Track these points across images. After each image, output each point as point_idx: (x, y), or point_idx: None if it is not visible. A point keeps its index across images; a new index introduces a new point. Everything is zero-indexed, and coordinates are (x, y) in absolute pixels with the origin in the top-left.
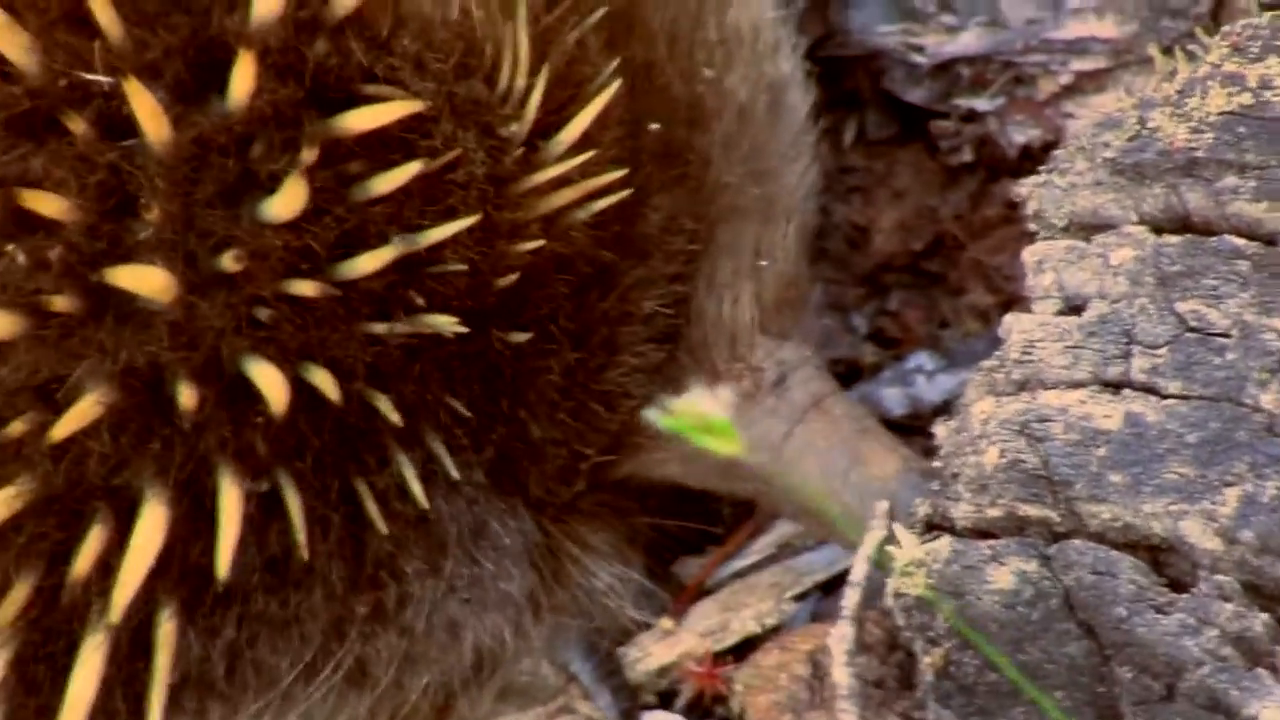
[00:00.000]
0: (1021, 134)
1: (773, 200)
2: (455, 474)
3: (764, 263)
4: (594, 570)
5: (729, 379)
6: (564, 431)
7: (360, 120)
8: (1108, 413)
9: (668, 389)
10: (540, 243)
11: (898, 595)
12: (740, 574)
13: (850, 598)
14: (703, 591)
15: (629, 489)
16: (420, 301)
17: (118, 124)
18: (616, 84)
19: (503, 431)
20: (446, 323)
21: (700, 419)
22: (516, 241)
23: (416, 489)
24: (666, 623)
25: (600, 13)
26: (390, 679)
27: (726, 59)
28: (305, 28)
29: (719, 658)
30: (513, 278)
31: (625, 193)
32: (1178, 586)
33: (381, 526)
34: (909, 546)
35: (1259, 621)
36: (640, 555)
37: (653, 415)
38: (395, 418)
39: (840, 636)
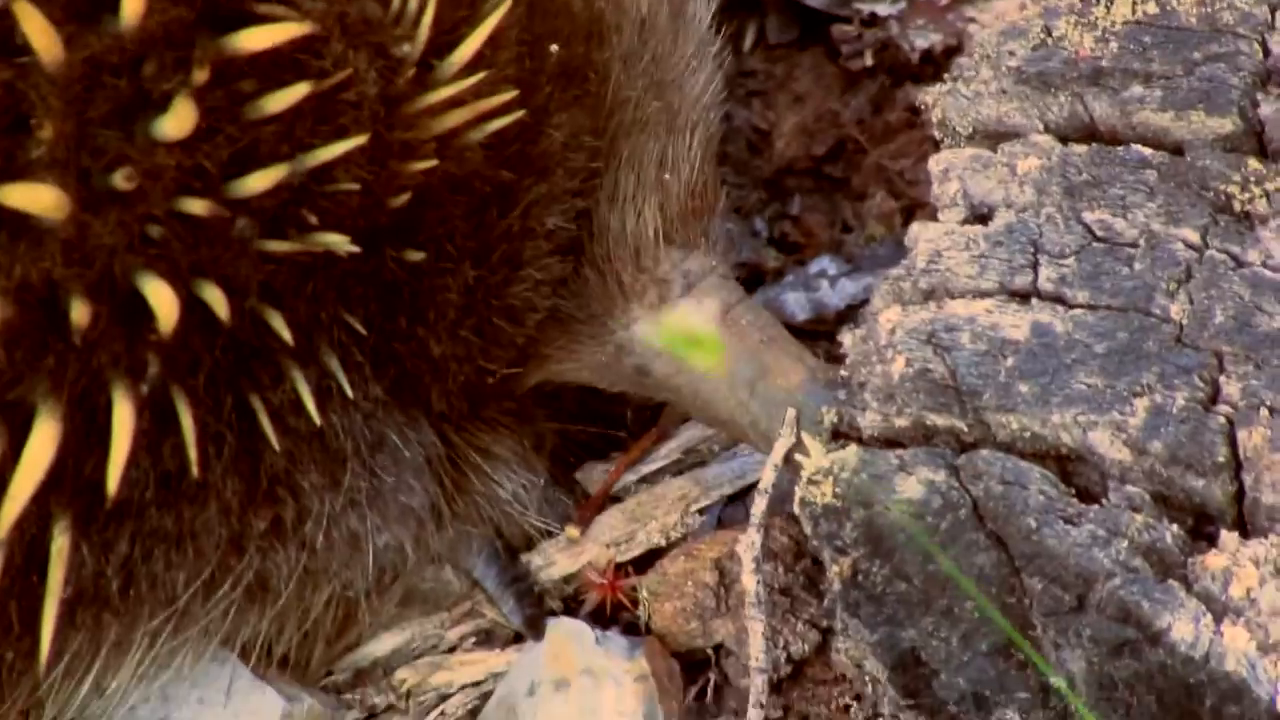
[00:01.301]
0: (923, 38)
1: (676, 111)
2: (349, 391)
3: (668, 175)
4: (498, 478)
5: (634, 291)
6: (467, 347)
7: (251, 40)
8: (1015, 322)
9: (575, 305)
10: (433, 163)
11: (804, 504)
12: (647, 480)
13: (758, 505)
14: (609, 498)
15: (533, 395)
16: (313, 220)
17: (12, 42)
18: (507, 4)
19: (402, 348)
20: (339, 241)
21: (687, 332)
22: (409, 161)
23: (310, 405)
24: (572, 531)
25: None
26: (291, 593)
27: None
28: None
29: (621, 568)
30: (405, 197)
31: (519, 114)
32: (1087, 497)
33: (275, 442)
34: (816, 455)
35: (1169, 533)
36: (545, 462)
37: (642, 329)
38: (287, 335)
39: (748, 544)
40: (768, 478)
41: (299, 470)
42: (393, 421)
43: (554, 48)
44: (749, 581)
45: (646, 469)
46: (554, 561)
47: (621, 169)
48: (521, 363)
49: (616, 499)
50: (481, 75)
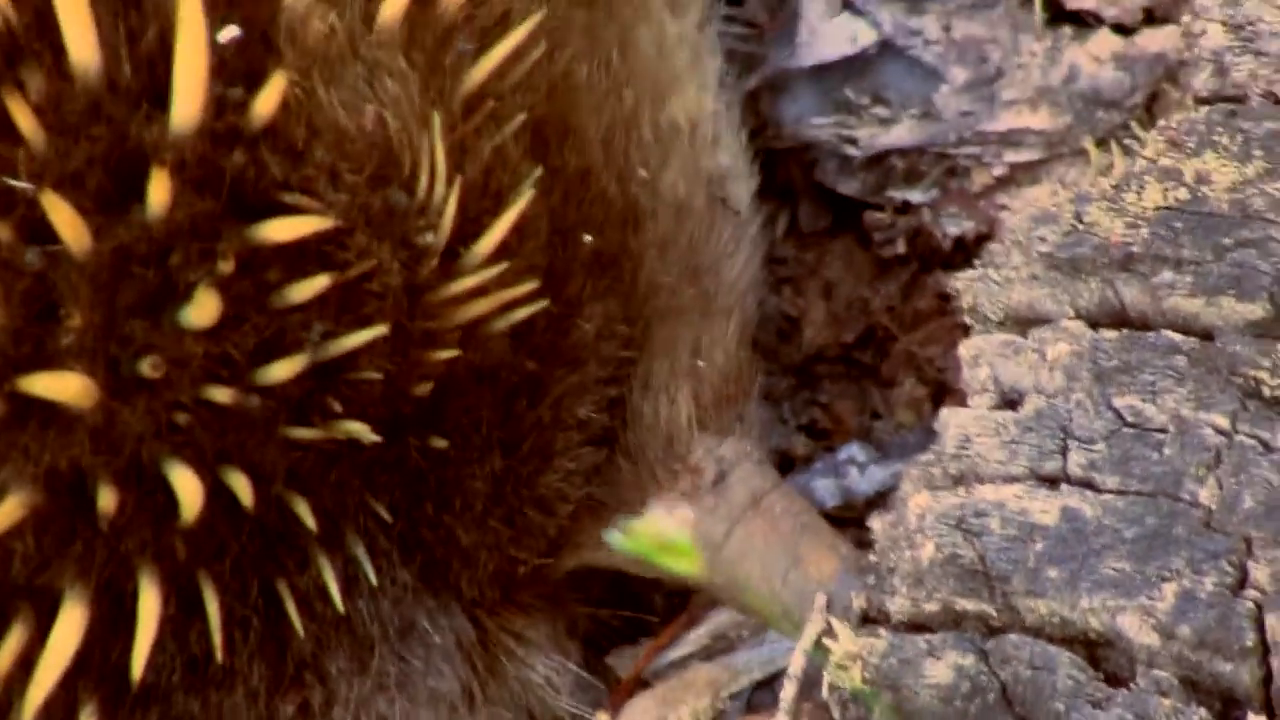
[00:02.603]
0: (955, 226)
1: (711, 297)
2: (374, 579)
3: (702, 361)
4: (530, 663)
5: (667, 480)
6: (496, 536)
7: (276, 232)
8: (1045, 507)
9: (609, 494)
10: (455, 353)
11: (833, 688)
12: (677, 665)
13: (788, 690)
14: (639, 683)
15: (565, 578)
16: (337, 407)
17: (42, 231)
18: (530, 193)
19: (430, 536)
20: (361, 430)
21: (659, 539)
22: (431, 350)
23: (335, 592)
24: (603, 717)
25: (519, 121)
26: None
27: (663, 157)
28: (222, 140)
29: None
30: (428, 386)
31: (543, 303)
32: (1115, 681)
33: (300, 629)
34: (845, 640)
35: (1197, 717)
36: (577, 646)
37: (612, 537)
38: (312, 522)
39: None
40: (798, 664)
41: (326, 655)
42: (422, 607)
43: (587, 238)
44: None
45: (676, 654)
46: None
47: (655, 356)
48: (553, 552)
49: (646, 684)
50: (505, 265)
